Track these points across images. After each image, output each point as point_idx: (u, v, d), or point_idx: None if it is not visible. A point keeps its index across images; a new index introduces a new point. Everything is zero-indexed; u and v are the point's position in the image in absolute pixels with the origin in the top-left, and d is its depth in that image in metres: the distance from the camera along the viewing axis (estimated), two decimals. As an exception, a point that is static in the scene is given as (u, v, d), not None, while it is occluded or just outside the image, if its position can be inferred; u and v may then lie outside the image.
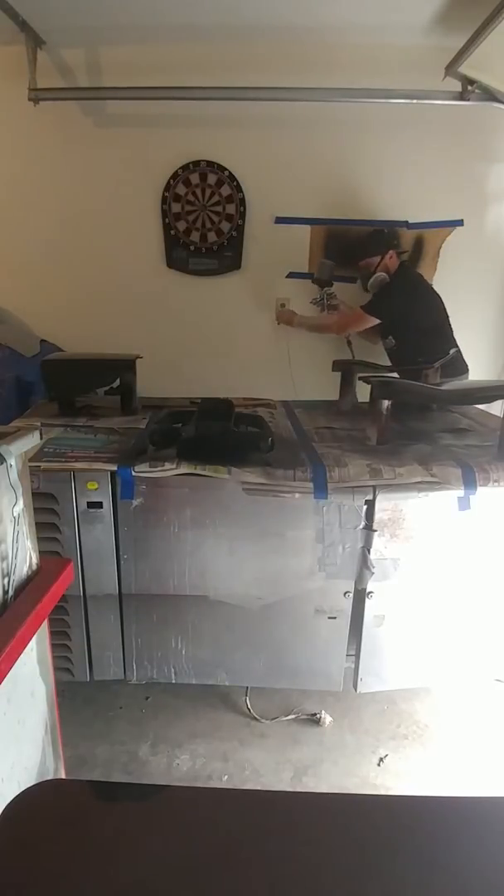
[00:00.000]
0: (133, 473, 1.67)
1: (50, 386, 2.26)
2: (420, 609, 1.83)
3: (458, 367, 2.72)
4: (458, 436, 2.10)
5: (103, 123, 2.88)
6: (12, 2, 2.26)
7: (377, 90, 2.57)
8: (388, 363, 2.85)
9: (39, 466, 1.66)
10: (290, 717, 2.01)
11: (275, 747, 1.90)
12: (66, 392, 2.28)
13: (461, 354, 2.74)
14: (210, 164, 2.91)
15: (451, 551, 1.78)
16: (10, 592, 1.06)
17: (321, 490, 1.67)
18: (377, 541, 1.73)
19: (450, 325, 2.73)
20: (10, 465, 1.04)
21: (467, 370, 2.76)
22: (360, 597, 1.80)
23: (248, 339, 3.17)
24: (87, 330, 3.01)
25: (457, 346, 2.72)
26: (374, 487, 1.68)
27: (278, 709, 2.03)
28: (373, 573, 1.75)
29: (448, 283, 3.05)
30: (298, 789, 1.70)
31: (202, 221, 3.00)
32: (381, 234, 2.75)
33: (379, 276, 2.67)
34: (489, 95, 2.53)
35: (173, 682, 1.91)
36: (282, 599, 1.80)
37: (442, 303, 2.71)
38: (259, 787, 1.73)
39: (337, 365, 2.55)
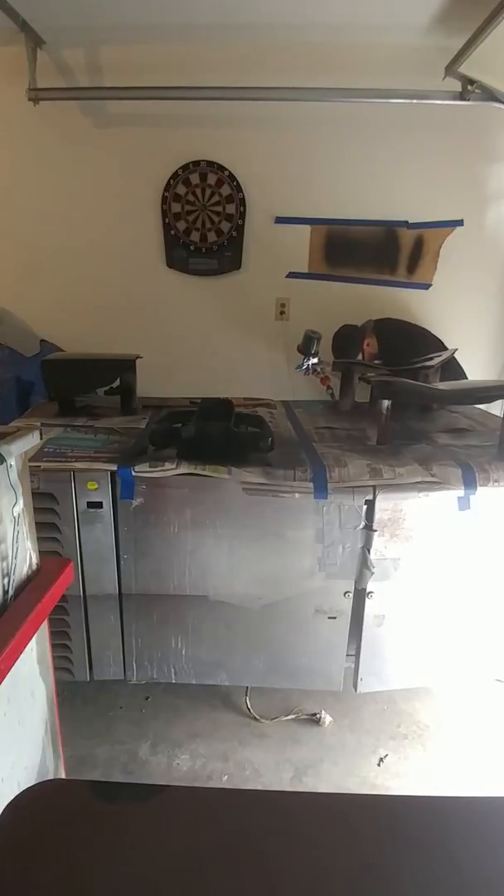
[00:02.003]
0: (133, 473, 1.67)
1: (50, 386, 2.26)
2: (420, 609, 1.83)
3: (456, 369, 2.72)
4: (458, 436, 2.10)
5: (103, 123, 2.88)
6: (12, 2, 2.26)
7: (377, 90, 2.57)
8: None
9: (39, 466, 1.66)
10: (290, 717, 2.01)
11: (275, 747, 1.90)
12: (66, 392, 2.28)
13: (456, 360, 2.74)
14: (210, 164, 2.91)
15: (451, 551, 1.78)
16: (10, 592, 1.06)
17: (321, 490, 1.67)
18: (377, 541, 1.73)
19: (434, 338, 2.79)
20: (10, 465, 1.04)
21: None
22: (360, 597, 1.80)
23: (248, 339, 3.17)
24: (87, 330, 3.01)
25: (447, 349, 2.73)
26: (374, 487, 1.68)
27: (278, 709, 2.03)
28: (373, 573, 1.75)
29: (448, 283, 3.06)
30: (298, 789, 1.70)
31: (202, 221, 3.00)
32: (346, 336, 2.75)
33: (375, 364, 2.62)
34: (489, 95, 2.53)
35: (173, 682, 1.91)
36: (282, 599, 1.80)
37: (417, 328, 2.76)
38: (259, 787, 1.73)
39: (337, 365, 2.55)
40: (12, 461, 1.04)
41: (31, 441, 1.10)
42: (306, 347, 2.52)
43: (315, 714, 2.00)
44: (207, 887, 0.53)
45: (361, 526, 1.73)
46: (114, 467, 1.68)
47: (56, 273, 3.06)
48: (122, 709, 2.04)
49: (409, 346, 2.72)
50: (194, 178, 2.93)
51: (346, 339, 2.75)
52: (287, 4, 2.37)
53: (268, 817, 0.60)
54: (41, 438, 1.51)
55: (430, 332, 2.88)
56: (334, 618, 1.82)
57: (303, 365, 2.53)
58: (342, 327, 2.82)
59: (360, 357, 2.70)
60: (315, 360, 2.54)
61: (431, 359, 2.48)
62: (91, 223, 3.00)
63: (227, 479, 1.67)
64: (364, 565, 1.76)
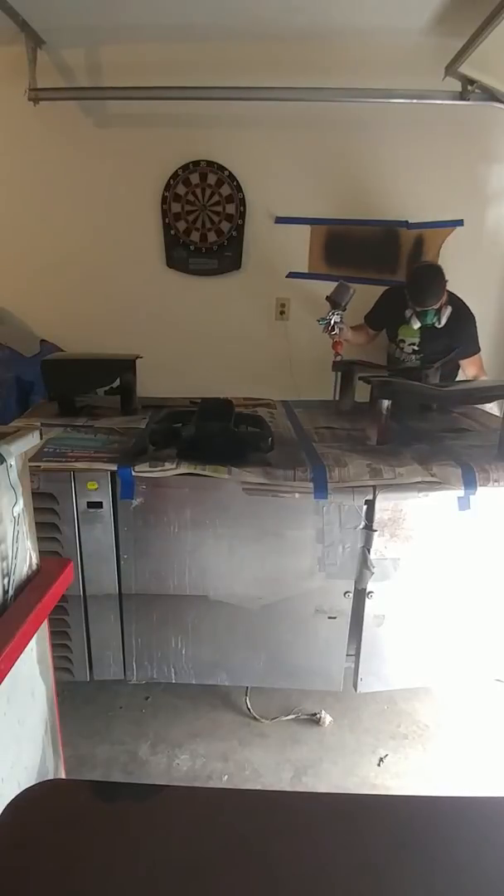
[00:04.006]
0: (133, 473, 1.67)
1: (50, 386, 2.26)
2: (420, 609, 1.83)
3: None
4: (458, 436, 2.10)
5: (103, 123, 2.88)
6: (12, 2, 2.26)
7: (377, 90, 2.57)
8: (386, 362, 2.84)
9: (39, 466, 1.66)
10: (290, 717, 2.01)
11: (275, 747, 1.90)
12: (66, 392, 2.28)
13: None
14: (210, 164, 2.91)
15: (451, 551, 1.78)
16: (10, 592, 1.06)
17: (321, 490, 1.67)
18: (377, 541, 1.73)
19: None
20: (10, 465, 1.04)
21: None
22: (360, 597, 1.80)
23: (248, 339, 3.17)
24: (87, 330, 3.01)
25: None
26: (374, 487, 1.68)
27: (278, 709, 2.03)
28: (373, 573, 1.75)
29: (448, 283, 3.05)
30: (298, 789, 1.70)
31: (202, 221, 3.00)
32: (429, 268, 2.56)
33: (448, 310, 2.53)
34: (489, 95, 2.54)
35: (173, 682, 1.91)
36: (282, 599, 1.80)
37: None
38: (259, 787, 1.73)
39: (337, 365, 2.55)
40: (12, 461, 1.04)
41: (31, 441, 1.10)
42: (338, 299, 2.41)
43: (315, 714, 2.00)
44: (207, 887, 0.53)
45: (361, 526, 1.73)
46: (114, 467, 1.68)
47: (56, 273, 3.06)
48: (122, 709, 2.04)
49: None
50: (194, 178, 2.93)
51: (432, 270, 2.50)
52: (287, 5, 2.37)
53: (268, 817, 0.60)
54: (41, 438, 1.51)
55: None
56: (334, 618, 1.82)
57: (326, 317, 2.45)
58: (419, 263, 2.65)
59: (438, 304, 2.48)
60: (338, 318, 2.48)
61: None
62: (91, 223, 3.00)
63: (227, 479, 1.67)
64: (364, 565, 1.76)
